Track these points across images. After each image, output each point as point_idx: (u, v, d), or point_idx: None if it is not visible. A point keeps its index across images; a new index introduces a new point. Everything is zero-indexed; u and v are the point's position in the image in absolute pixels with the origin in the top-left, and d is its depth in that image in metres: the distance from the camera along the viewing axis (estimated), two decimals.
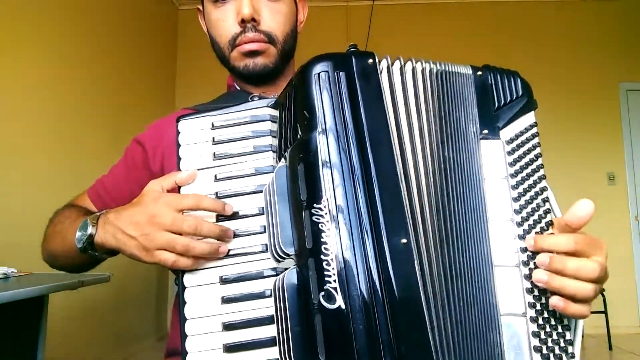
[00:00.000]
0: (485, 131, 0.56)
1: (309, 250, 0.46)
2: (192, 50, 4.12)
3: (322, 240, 0.45)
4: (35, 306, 1.53)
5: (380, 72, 0.52)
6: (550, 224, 0.52)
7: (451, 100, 0.56)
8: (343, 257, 0.45)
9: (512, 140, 0.56)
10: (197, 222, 0.53)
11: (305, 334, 0.45)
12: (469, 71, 0.59)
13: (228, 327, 0.52)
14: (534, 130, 0.56)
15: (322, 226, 0.45)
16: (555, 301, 0.47)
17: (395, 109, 0.52)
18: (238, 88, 0.84)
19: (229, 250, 0.55)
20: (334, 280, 0.44)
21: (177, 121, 0.61)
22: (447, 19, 4.18)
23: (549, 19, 4.15)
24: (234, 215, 0.56)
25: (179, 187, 0.59)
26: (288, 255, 0.48)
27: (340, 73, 0.51)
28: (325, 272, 0.44)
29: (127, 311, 3.17)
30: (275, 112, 0.59)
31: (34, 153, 2.26)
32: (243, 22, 0.74)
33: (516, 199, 0.53)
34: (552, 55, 4.04)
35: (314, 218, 0.46)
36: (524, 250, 0.51)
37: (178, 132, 0.60)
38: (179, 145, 0.60)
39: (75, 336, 2.49)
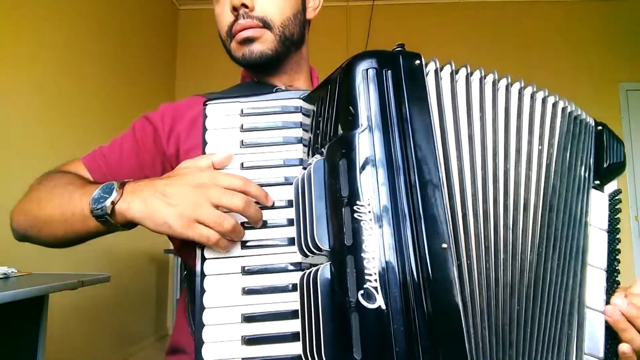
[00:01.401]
0: (597, 182, 0.63)
1: (347, 248, 0.44)
2: (192, 50, 4.12)
3: (362, 238, 0.44)
4: (35, 306, 1.52)
5: (427, 75, 0.52)
6: (618, 283, 0.59)
7: (561, 133, 0.61)
8: (385, 257, 0.43)
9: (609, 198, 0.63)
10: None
11: (338, 331, 0.44)
12: (592, 122, 0.66)
13: (248, 319, 0.50)
14: (620, 196, 0.64)
15: (363, 224, 0.44)
16: (625, 348, 0.54)
17: (440, 113, 0.51)
18: (255, 80, 0.81)
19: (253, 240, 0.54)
20: (375, 280, 0.42)
21: (205, 104, 0.58)
22: (447, 19, 4.18)
23: (549, 18, 4.16)
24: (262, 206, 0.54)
25: None
26: (321, 250, 0.47)
27: (388, 71, 0.50)
28: (366, 271, 0.43)
29: (127, 311, 3.16)
30: (307, 105, 0.58)
31: (34, 152, 2.24)
32: (235, 10, 0.72)
33: (609, 253, 0.60)
34: (552, 55, 4.04)
35: (355, 215, 0.44)
36: (607, 301, 0.57)
37: (205, 116, 0.57)
38: (205, 129, 0.57)
39: (75, 336, 2.48)
